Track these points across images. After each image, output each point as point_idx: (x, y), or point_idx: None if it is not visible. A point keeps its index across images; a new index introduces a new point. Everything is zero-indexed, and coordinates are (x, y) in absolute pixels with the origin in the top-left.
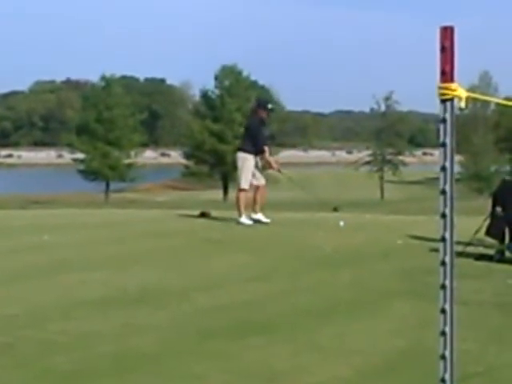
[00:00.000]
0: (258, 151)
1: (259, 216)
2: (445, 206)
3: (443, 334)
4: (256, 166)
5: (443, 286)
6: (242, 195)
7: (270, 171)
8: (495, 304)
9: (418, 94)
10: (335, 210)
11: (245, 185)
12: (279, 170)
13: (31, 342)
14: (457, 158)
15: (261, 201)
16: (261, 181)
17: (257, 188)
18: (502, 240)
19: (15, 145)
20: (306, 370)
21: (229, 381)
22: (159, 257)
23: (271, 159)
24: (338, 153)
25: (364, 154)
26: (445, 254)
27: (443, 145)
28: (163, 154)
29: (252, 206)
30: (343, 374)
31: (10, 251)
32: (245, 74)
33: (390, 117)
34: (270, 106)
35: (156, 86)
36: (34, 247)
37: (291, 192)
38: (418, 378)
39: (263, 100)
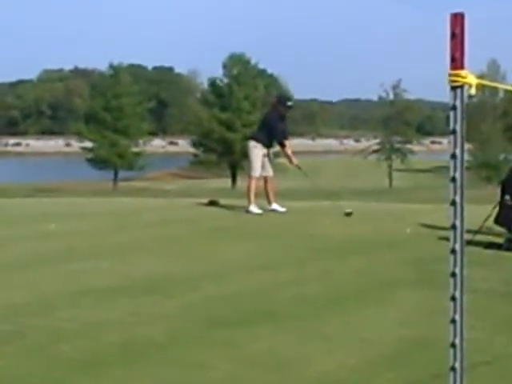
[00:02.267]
0: (271, 144)
1: (274, 206)
2: (455, 193)
3: (453, 321)
4: (267, 157)
5: (453, 274)
6: (253, 183)
7: (284, 161)
8: (504, 293)
9: (426, 83)
10: (348, 215)
11: (254, 172)
12: (298, 166)
13: (39, 330)
14: (465, 146)
15: (272, 191)
16: (269, 172)
17: (265, 179)
18: (510, 228)
19: (23, 133)
20: (313, 358)
21: (235, 369)
22: (167, 245)
23: (291, 154)
24: (345, 141)
25: (372, 143)
26: (455, 241)
27: (453, 132)
28: (171, 143)
29: (266, 198)
30: (351, 363)
31: (17, 239)
32: (253, 62)
33: (397, 105)
34: (290, 103)
35: (164, 75)
36: (42, 235)
37: (299, 181)
38: (427, 366)
39: (284, 96)
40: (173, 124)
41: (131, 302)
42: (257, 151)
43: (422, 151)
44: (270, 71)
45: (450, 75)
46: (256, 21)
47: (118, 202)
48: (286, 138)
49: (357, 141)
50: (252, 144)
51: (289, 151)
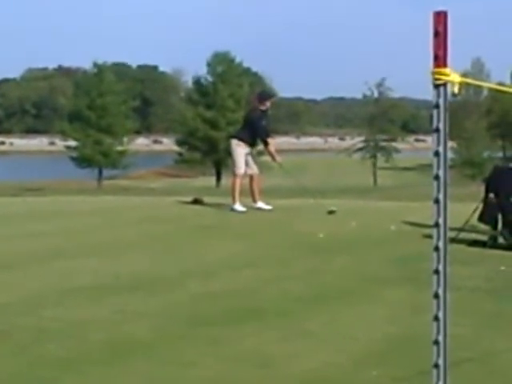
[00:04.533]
0: (254, 142)
1: (260, 204)
2: (438, 191)
3: (436, 319)
4: (250, 155)
5: (436, 271)
6: (237, 181)
7: (268, 159)
8: (488, 290)
9: (410, 81)
10: (331, 213)
11: (239, 170)
12: (280, 165)
13: (24, 329)
14: (449, 144)
15: (257, 189)
16: (254, 169)
17: (250, 177)
18: (494, 226)
19: (7, 132)
20: (299, 356)
21: (221, 367)
22: (152, 244)
23: (274, 152)
24: (330, 139)
25: (356, 141)
26: (438, 239)
27: (436, 130)
28: (156, 141)
29: (251, 197)
30: (336, 361)
31: (2, 239)
32: (237, 60)
33: (382, 103)
34: (271, 95)
35: (148, 73)
36: (27, 234)
37: (284, 179)
38: (412, 363)
39: (264, 92)
40: (157, 122)
41: (117, 301)
42: (239, 149)
43: (406, 149)
44: (254, 70)
45: (433, 73)
46: (241, 19)
47: (102, 200)
48: (268, 135)
49: (341, 139)
50: (235, 142)
51: (272, 149)
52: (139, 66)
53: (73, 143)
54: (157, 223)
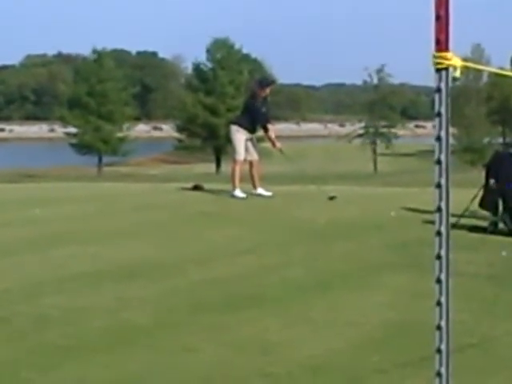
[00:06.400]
0: (254, 129)
1: (260, 190)
2: (440, 175)
3: (439, 304)
4: (251, 142)
5: (439, 256)
6: (237, 167)
7: (268, 145)
8: (489, 275)
9: (410, 67)
10: (331, 198)
11: (238, 156)
12: (281, 150)
13: (24, 316)
14: (450, 129)
15: (257, 175)
16: (254, 156)
17: (250, 163)
18: (495, 212)
19: (7, 119)
20: (299, 342)
21: (222, 353)
22: (152, 230)
23: (274, 137)
24: (330, 126)
25: (356, 127)
26: (440, 224)
27: (438, 114)
28: (155, 128)
29: (251, 183)
30: (337, 347)
31: (1, 225)
32: (237, 46)
33: (382, 89)
34: (271, 80)
35: (148, 60)
36: (26, 221)
37: (284, 165)
38: (413, 349)
39: (264, 79)
40: (157, 109)
41: (116, 287)
42: (239, 135)
43: (406, 135)
44: (254, 56)
45: (435, 57)
46: (240, 6)
47: (102, 187)
48: (268, 121)
49: (341, 125)
50: (234, 128)
51: (272, 135)
52: (139, 53)
53: (73, 130)
54: (157, 210)
